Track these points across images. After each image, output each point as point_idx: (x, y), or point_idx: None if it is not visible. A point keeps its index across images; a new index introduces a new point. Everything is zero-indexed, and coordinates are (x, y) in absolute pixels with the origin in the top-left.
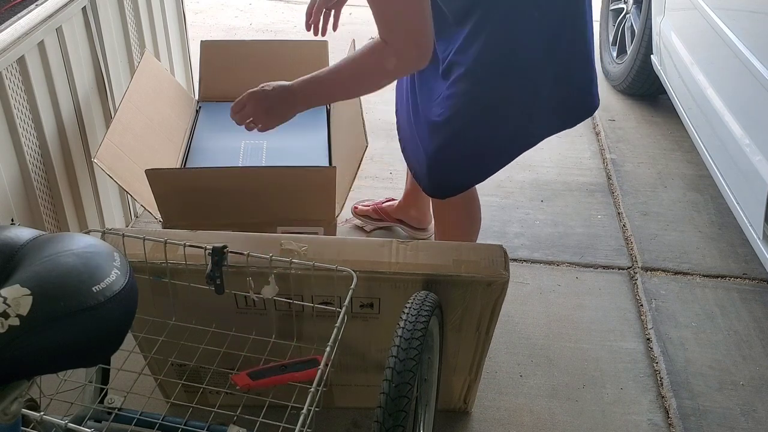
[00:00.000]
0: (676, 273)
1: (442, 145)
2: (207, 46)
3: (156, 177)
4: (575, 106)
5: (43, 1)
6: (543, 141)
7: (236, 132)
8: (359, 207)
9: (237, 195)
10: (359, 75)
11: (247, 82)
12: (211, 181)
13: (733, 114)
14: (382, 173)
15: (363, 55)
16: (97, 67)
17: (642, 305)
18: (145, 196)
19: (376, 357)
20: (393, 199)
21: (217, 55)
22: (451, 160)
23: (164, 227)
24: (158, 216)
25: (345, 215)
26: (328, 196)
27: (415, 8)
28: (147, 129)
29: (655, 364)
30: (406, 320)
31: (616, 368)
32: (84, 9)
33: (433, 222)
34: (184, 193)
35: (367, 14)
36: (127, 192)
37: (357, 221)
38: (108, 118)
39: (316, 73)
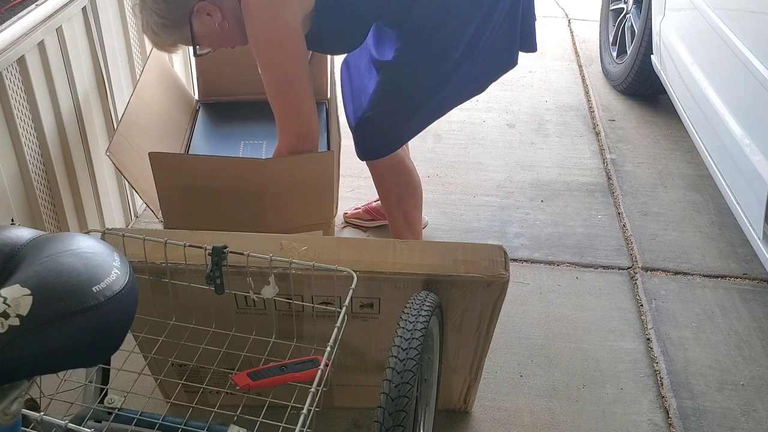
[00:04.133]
0: (676, 273)
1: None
2: None
3: (158, 161)
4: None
5: (43, 1)
6: (543, 141)
7: (235, 132)
8: (349, 212)
9: (236, 188)
10: None
11: (244, 76)
12: (212, 168)
13: (733, 114)
14: None
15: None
16: (97, 67)
17: (642, 305)
18: (148, 192)
19: (376, 357)
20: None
21: None
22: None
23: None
24: (160, 215)
25: (339, 219)
26: (327, 183)
27: (292, 104)
28: (151, 125)
29: (655, 364)
30: (406, 320)
31: (616, 368)
32: (84, 9)
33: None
34: (184, 184)
35: None
36: (133, 187)
37: (351, 224)
38: (108, 118)
39: None
